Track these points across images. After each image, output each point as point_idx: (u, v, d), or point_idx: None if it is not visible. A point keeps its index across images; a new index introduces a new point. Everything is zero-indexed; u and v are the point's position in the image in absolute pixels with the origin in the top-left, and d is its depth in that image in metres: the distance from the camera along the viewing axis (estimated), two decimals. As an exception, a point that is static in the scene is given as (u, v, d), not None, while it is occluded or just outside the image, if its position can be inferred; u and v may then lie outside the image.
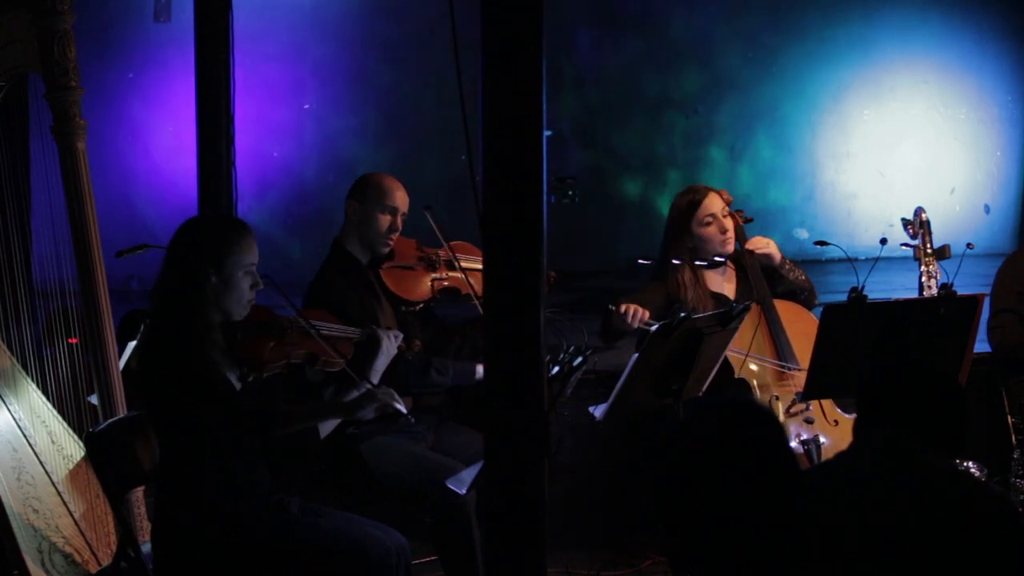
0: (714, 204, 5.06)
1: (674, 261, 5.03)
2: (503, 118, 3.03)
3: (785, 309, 5.04)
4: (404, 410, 4.14)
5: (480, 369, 4.81)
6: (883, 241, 4.89)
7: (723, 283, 5.13)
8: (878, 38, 10.05)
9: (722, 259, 5.09)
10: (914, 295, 5.10)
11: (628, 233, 9.81)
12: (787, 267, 5.18)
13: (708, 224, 5.04)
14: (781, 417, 4.90)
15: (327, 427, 4.13)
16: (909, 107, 10.14)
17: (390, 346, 4.39)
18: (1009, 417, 5.31)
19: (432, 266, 4.96)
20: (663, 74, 9.95)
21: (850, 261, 4.89)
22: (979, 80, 10.21)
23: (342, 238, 4.91)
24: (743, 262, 5.13)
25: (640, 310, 4.74)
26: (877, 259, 4.91)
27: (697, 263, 5.04)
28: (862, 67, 10.06)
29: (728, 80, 10.01)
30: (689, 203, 5.06)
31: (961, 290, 4.67)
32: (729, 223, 5.06)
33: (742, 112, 10.04)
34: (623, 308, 4.72)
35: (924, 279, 5.08)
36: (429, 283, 4.94)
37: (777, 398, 4.91)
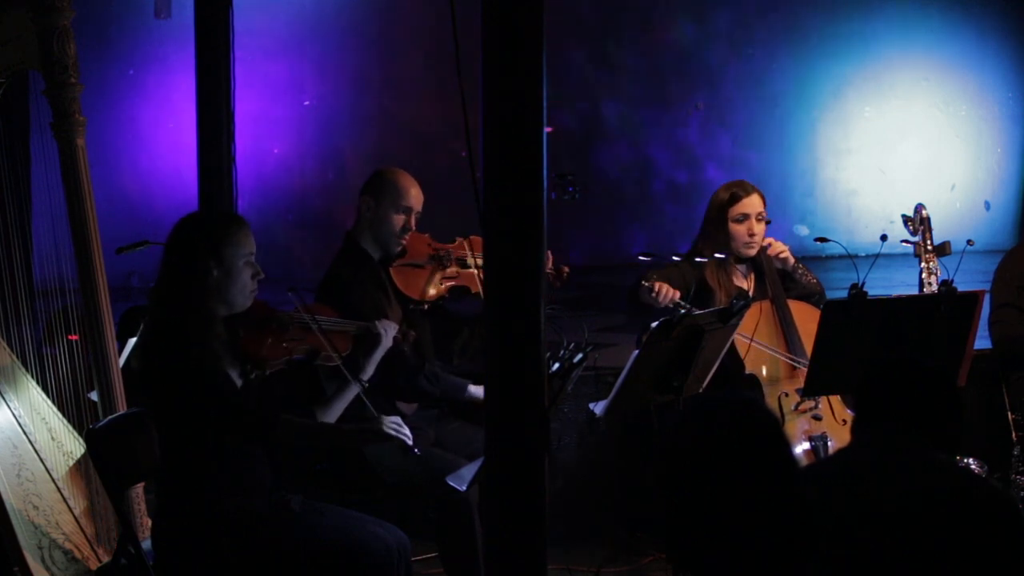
0: (752, 205, 5.09)
1: (696, 259, 5.07)
2: (504, 114, 3.03)
3: (798, 309, 5.06)
4: (410, 441, 4.06)
5: (472, 388, 4.81)
6: (883, 238, 4.89)
7: (743, 280, 5.16)
8: (878, 35, 10.06)
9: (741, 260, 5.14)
10: (914, 292, 5.10)
11: (628, 230, 9.82)
12: (800, 271, 5.20)
13: (739, 222, 5.08)
14: (790, 414, 4.92)
15: (332, 417, 4.13)
16: (910, 104, 10.15)
17: (387, 338, 4.39)
18: (1010, 414, 5.31)
19: (443, 264, 4.94)
20: (663, 70, 9.96)
21: (850, 258, 4.90)
22: (980, 77, 10.21)
23: (355, 233, 4.89)
24: (759, 261, 5.15)
25: (671, 290, 4.82)
26: (877, 256, 4.92)
27: (717, 256, 5.06)
28: (863, 64, 10.07)
29: (729, 76, 10.01)
30: (731, 196, 5.11)
31: (961, 287, 4.67)
32: (759, 228, 5.09)
33: (743, 109, 10.05)
34: (656, 287, 4.78)
35: (924, 276, 5.09)
36: (438, 282, 4.92)
37: (786, 395, 4.92)
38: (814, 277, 5.26)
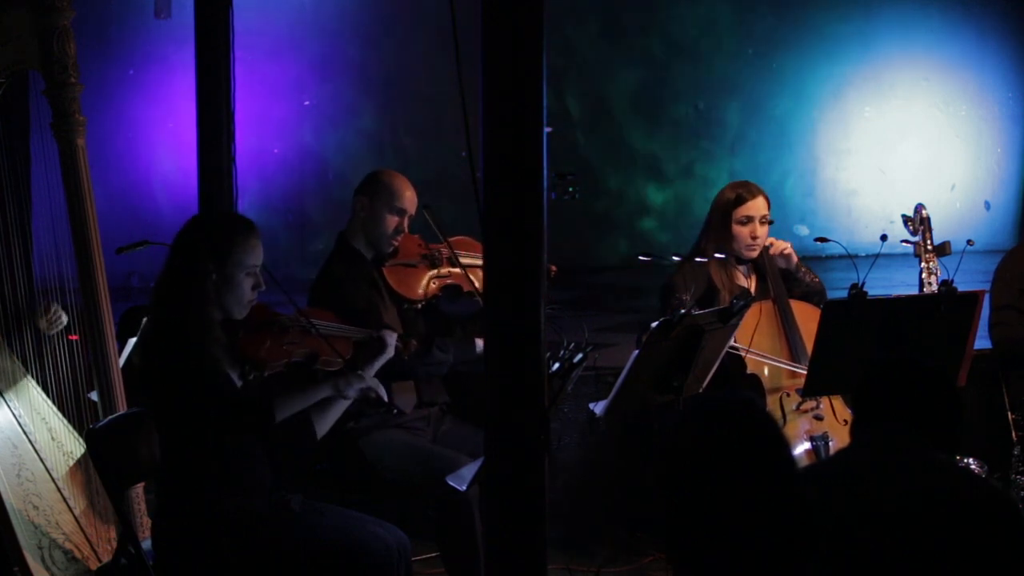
0: (757, 207, 5.09)
1: (697, 259, 5.07)
2: (503, 114, 3.03)
3: (800, 309, 5.06)
4: (386, 397, 4.19)
5: (480, 343, 4.82)
6: (883, 238, 4.89)
7: (745, 280, 5.16)
8: (878, 35, 10.06)
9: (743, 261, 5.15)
10: (914, 292, 5.10)
11: (625, 230, 9.82)
12: (802, 271, 5.20)
13: (743, 224, 5.08)
14: (791, 414, 4.91)
15: (324, 426, 4.12)
16: (910, 104, 10.15)
17: (390, 348, 4.39)
18: (1010, 414, 5.30)
19: (434, 263, 4.96)
20: (664, 70, 9.96)
21: (850, 258, 4.90)
22: (979, 77, 10.21)
23: (348, 233, 4.91)
24: (761, 261, 5.15)
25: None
26: (877, 256, 4.91)
27: (717, 256, 5.07)
28: (863, 64, 10.07)
29: (728, 76, 10.01)
30: (736, 197, 5.10)
31: (961, 287, 4.67)
32: (762, 231, 5.09)
33: (742, 108, 10.04)
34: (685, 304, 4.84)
35: (924, 276, 5.08)
36: (431, 281, 4.95)
37: (788, 395, 4.92)
38: (816, 276, 5.26)
